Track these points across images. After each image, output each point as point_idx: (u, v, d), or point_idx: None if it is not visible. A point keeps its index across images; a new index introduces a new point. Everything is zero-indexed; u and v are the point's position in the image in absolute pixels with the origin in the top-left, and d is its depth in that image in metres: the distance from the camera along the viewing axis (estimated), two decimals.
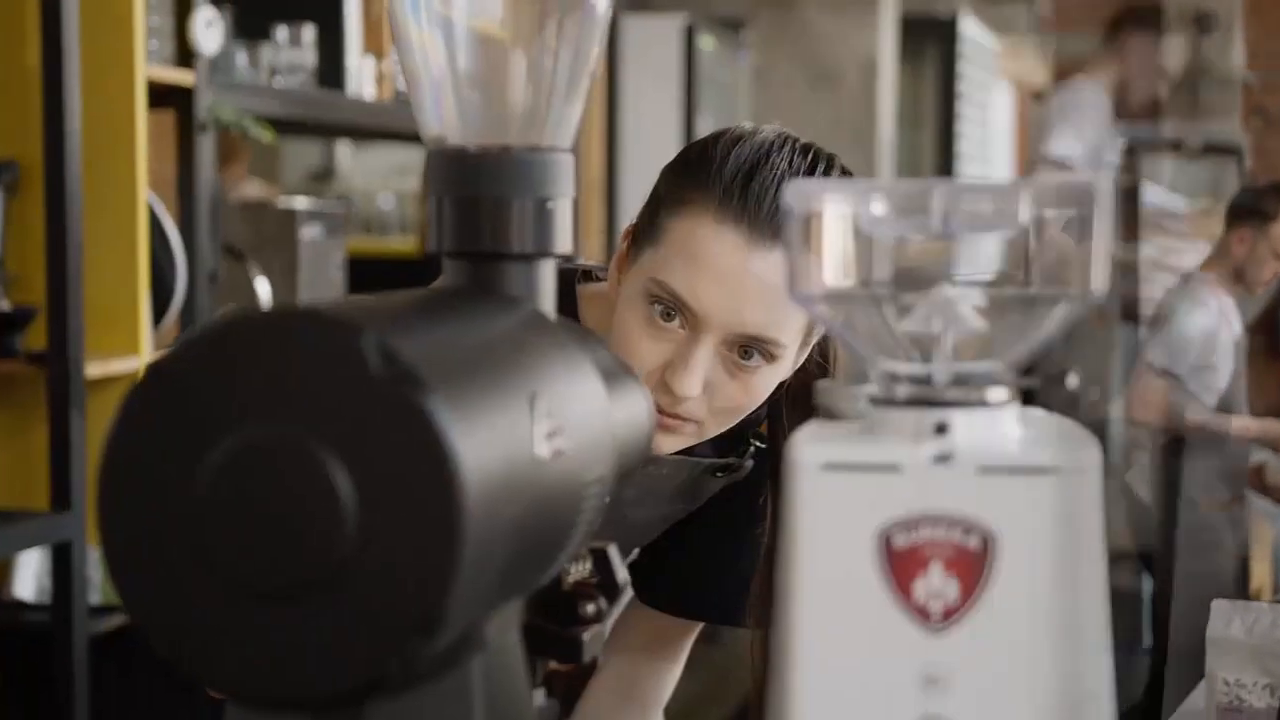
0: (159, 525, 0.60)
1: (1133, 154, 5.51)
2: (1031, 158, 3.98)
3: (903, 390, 0.66)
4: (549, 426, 0.67)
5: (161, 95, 2.69)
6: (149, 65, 2.60)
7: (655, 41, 5.16)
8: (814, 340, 1.32)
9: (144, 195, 2.52)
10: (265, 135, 2.75)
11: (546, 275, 0.77)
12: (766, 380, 1.27)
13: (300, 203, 3.16)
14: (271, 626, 0.59)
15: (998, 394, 0.66)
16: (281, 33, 3.07)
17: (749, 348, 1.24)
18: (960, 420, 0.65)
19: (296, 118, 3.10)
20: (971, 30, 7.60)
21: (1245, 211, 3.89)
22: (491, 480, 0.60)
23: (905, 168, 7.16)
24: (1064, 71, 9.63)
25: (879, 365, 0.67)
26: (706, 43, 5.25)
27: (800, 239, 0.67)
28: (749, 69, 5.87)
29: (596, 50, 0.77)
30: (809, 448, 0.65)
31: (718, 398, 1.26)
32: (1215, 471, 4.13)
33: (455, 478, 0.58)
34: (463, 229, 0.76)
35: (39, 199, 2.44)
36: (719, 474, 1.42)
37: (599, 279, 1.42)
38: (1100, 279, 0.65)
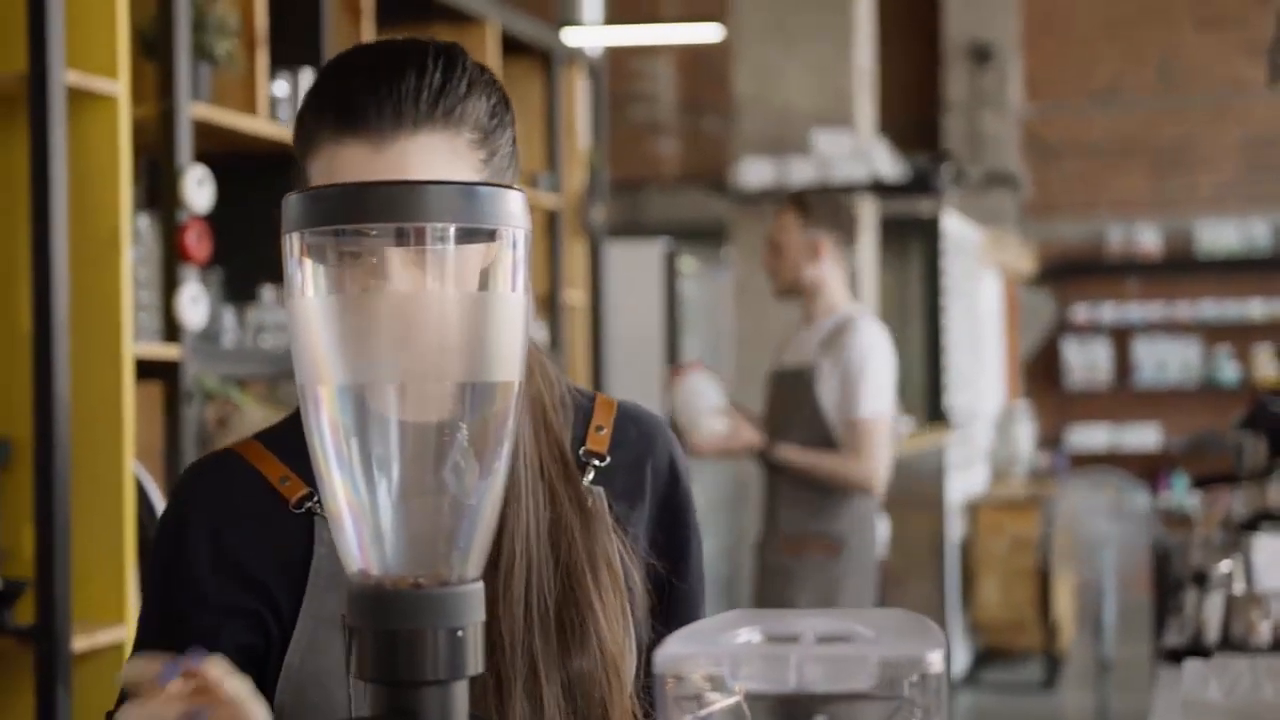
0: None
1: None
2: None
3: None
4: None
5: (149, 368, 2.79)
6: (137, 342, 2.70)
7: (638, 265, 5.30)
8: None
9: (130, 467, 2.60)
10: (246, 402, 2.85)
11: (459, 696, 0.85)
12: None
13: None
14: None
15: None
16: (268, 293, 3.18)
17: None
18: None
19: (283, 373, 3.20)
20: (954, 226, 7.77)
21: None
22: None
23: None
24: (1049, 255, 9.80)
25: None
26: (687, 265, 5.40)
27: (671, 701, 0.74)
28: (731, 283, 6.00)
29: (496, 495, 0.86)
30: None
31: None
32: (804, 513, 3.77)
33: None
34: (380, 659, 0.84)
35: (29, 474, 2.53)
36: None
37: None
38: None
